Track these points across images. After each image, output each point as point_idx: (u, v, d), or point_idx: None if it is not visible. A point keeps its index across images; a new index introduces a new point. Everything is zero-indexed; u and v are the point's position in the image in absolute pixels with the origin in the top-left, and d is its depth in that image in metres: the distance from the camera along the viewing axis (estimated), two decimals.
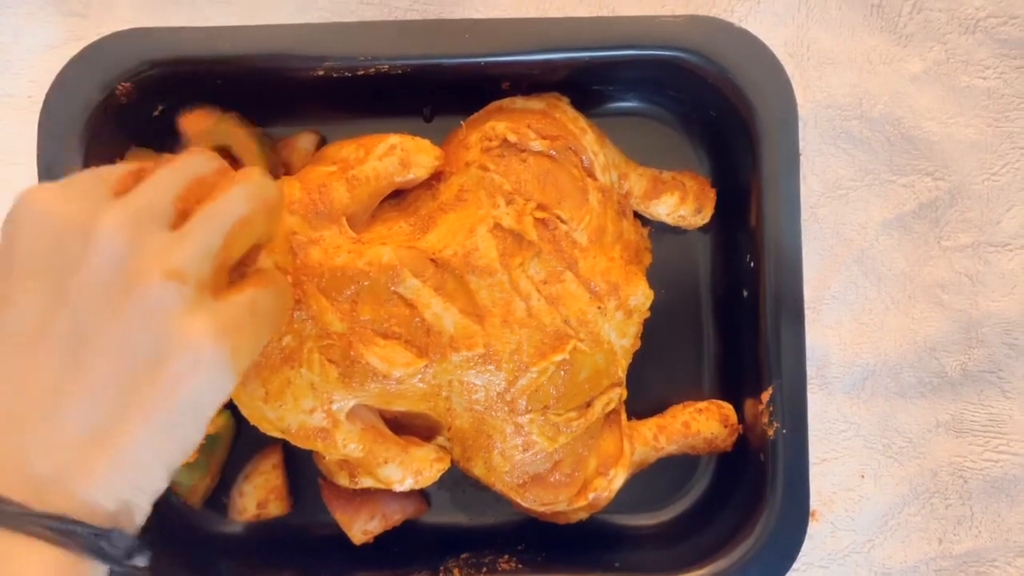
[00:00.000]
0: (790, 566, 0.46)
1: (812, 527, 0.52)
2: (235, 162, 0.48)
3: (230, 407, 0.48)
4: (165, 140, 0.51)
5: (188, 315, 0.30)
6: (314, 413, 0.43)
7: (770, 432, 0.46)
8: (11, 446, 0.29)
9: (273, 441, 0.50)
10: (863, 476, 0.53)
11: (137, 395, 0.30)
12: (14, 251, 0.30)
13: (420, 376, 0.43)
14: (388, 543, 0.49)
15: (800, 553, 0.51)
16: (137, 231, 0.31)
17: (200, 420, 0.31)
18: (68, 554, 0.28)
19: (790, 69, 0.52)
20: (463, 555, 0.48)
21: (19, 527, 0.28)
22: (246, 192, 0.33)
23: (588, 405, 0.46)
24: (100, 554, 0.29)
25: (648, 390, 0.51)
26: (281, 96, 0.49)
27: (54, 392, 0.29)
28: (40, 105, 0.46)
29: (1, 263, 0.31)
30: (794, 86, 0.49)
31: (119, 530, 0.30)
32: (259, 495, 0.50)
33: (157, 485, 0.31)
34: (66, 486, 0.29)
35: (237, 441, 0.52)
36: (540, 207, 0.44)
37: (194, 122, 0.48)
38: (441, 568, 0.47)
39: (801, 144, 0.52)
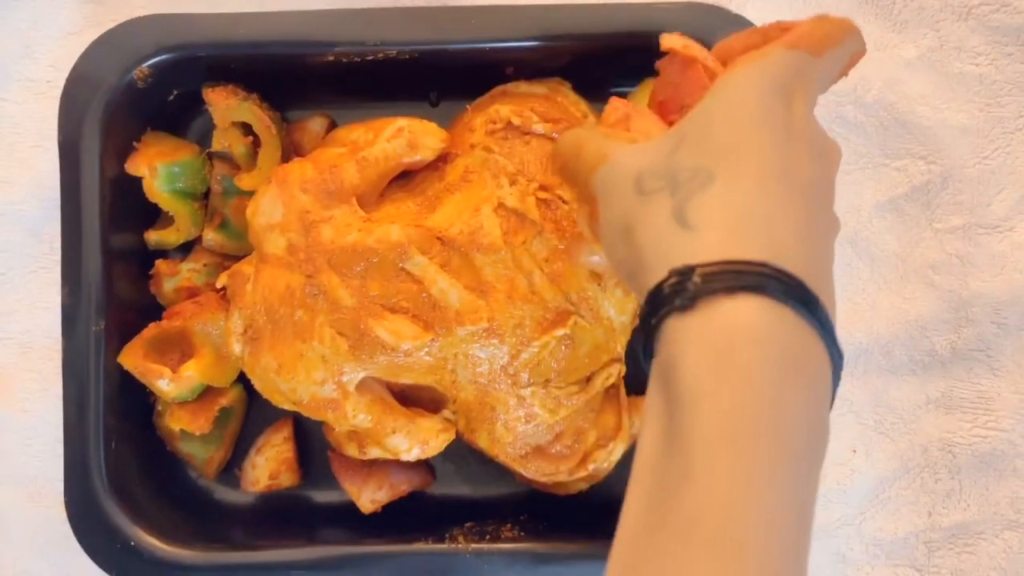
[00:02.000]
0: None
1: None
2: (255, 140, 0.50)
3: (243, 381, 0.50)
4: (181, 123, 0.53)
5: None
6: (325, 385, 0.45)
7: None
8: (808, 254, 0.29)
9: (284, 415, 0.52)
10: (855, 451, 0.55)
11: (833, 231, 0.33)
12: (797, 126, 0.31)
13: (427, 349, 0.45)
14: (395, 512, 0.51)
15: None
16: None
17: None
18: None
19: None
20: (467, 524, 0.50)
21: (826, 330, 0.28)
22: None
23: (588, 379, 0.48)
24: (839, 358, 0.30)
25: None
26: (293, 81, 0.51)
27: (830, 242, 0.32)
28: (60, 89, 0.48)
29: (784, 124, 0.31)
30: None
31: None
32: (271, 467, 0.52)
33: None
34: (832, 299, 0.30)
35: (249, 415, 0.54)
36: (542, 187, 0.46)
37: (218, 96, 0.49)
38: (446, 536, 0.49)
39: None
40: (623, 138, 0.34)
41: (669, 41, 0.39)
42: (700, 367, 0.27)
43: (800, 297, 0.27)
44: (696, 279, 0.28)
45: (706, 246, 0.29)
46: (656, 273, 0.29)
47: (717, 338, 0.27)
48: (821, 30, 0.33)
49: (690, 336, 0.28)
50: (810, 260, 0.29)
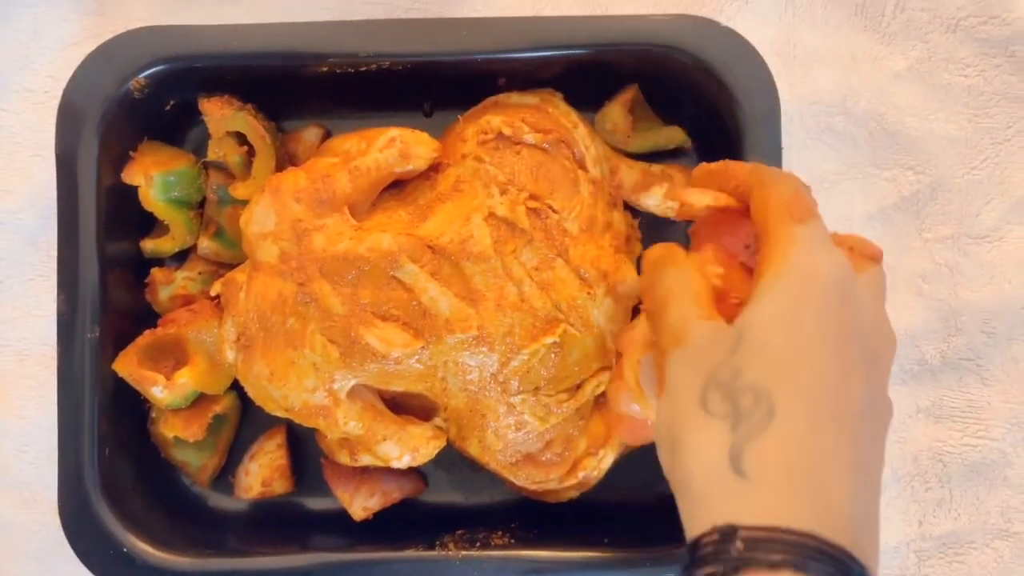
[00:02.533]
0: None
1: None
2: (249, 149, 0.51)
3: (237, 389, 0.51)
4: (177, 133, 0.54)
5: None
6: (316, 392, 0.45)
7: None
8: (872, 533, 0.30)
9: (277, 422, 0.52)
10: None
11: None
12: (850, 321, 0.31)
13: (417, 357, 0.45)
14: (387, 519, 0.51)
15: None
16: None
17: None
18: None
19: (777, 67, 0.54)
20: (458, 531, 0.50)
21: None
22: None
23: (578, 387, 0.48)
24: None
25: None
26: (288, 91, 0.52)
27: (878, 483, 0.31)
28: (58, 99, 0.49)
29: (839, 329, 0.31)
30: (781, 83, 0.51)
31: None
32: (264, 474, 0.53)
33: None
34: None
35: (243, 423, 0.54)
36: (532, 197, 0.47)
37: (214, 107, 0.50)
38: (437, 543, 0.49)
39: (787, 139, 0.54)
40: (704, 314, 0.33)
41: (687, 210, 0.38)
42: None
43: (843, 571, 0.27)
44: (739, 544, 0.28)
45: (756, 504, 0.28)
46: (700, 520, 0.29)
47: None
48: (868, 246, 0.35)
49: None
50: (857, 518, 0.29)
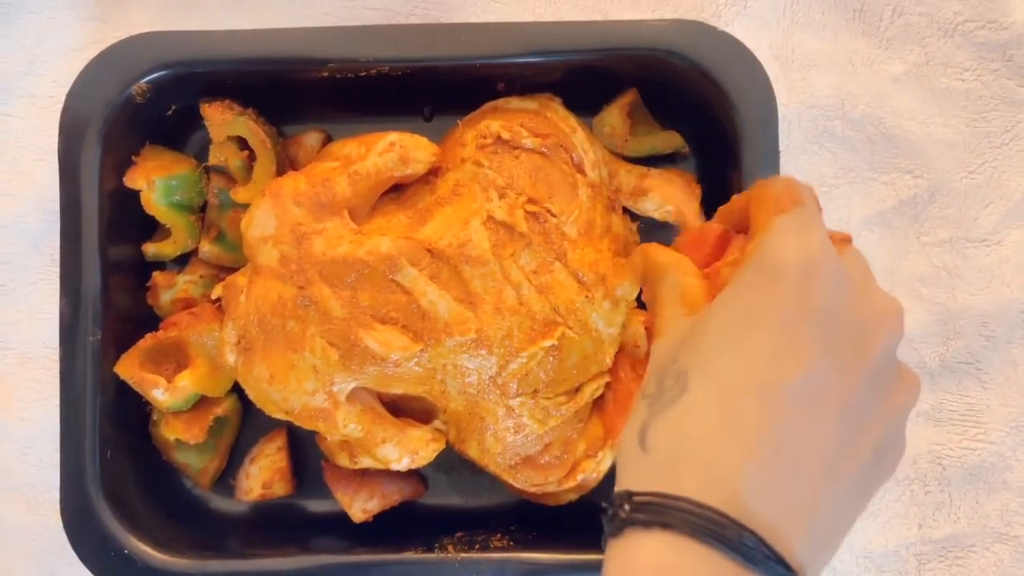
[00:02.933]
0: None
1: None
2: (250, 154, 0.51)
3: (237, 391, 0.51)
4: (178, 138, 0.54)
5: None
6: (316, 394, 0.46)
7: None
8: (791, 506, 0.29)
9: (278, 425, 0.53)
10: None
11: (870, 490, 0.31)
12: (809, 303, 0.30)
13: (416, 360, 0.46)
14: (386, 522, 0.52)
15: None
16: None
17: None
18: None
19: (775, 71, 0.54)
20: (458, 534, 0.50)
21: (751, 564, 0.28)
22: None
23: (577, 390, 0.48)
24: None
25: None
26: (289, 96, 0.52)
27: (830, 469, 0.30)
28: (61, 104, 0.49)
29: (790, 313, 0.30)
30: (779, 88, 0.51)
31: None
32: (265, 476, 0.53)
33: None
34: (819, 564, 0.30)
35: (244, 425, 0.54)
36: (531, 201, 0.47)
37: (215, 111, 0.50)
38: (436, 545, 0.49)
39: (785, 143, 0.54)
40: (686, 311, 0.34)
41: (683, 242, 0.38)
42: None
43: (715, 531, 0.28)
44: (627, 507, 0.30)
45: (648, 473, 0.31)
46: (616, 487, 0.32)
47: (623, 568, 0.29)
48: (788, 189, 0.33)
49: (613, 564, 0.30)
50: (755, 490, 0.29)
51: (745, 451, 0.29)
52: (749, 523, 0.28)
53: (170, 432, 0.51)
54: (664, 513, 0.29)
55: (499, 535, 0.50)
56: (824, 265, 0.30)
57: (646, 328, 0.49)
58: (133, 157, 0.51)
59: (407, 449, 0.47)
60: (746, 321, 0.31)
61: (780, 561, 0.28)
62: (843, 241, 0.34)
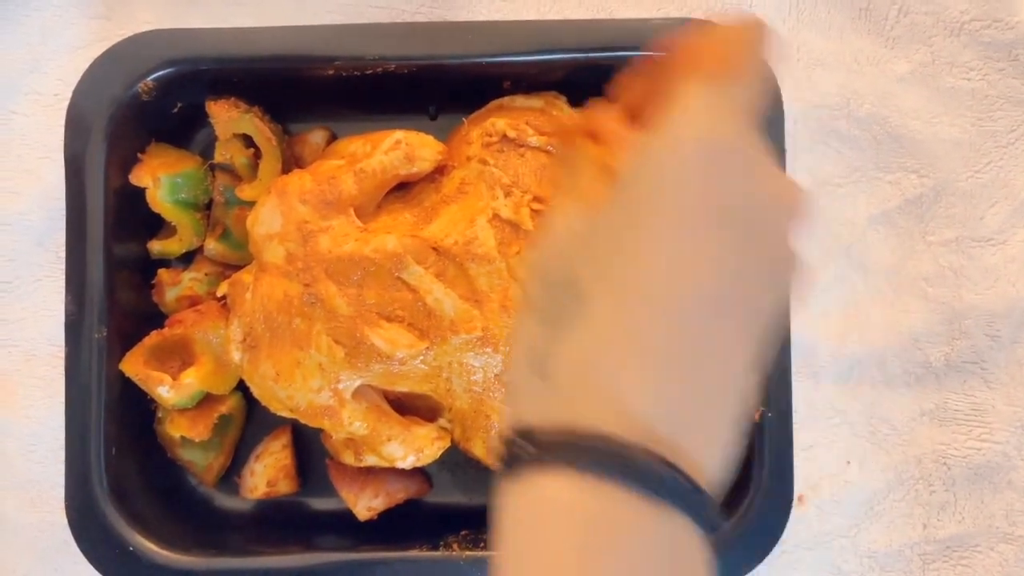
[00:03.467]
0: (775, 543, 0.48)
1: (800, 511, 0.54)
2: (256, 152, 0.51)
3: (242, 389, 0.51)
4: (184, 135, 0.54)
5: None
6: (321, 392, 0.46)
7: (756, 416, 0.48)
8: (691, 426, 0.26)
9: (283, 422, 0.53)
10: (849, 462, 0.55)
11: (749, 381, 0.28)
12: (713, 199, 0.26)
13: (422, 358, 0.46)
14: (391, 520, 0.52)
15: (788, 536, 0.53)
16: None
17: None
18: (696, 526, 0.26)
19: (780, 70, 0.54)
20: (463, 532, 0.50)
21: (665, 496, 0.25)
22: None
23: None
24: (709, 527, 0.27)
25: None
26: (294, 94, 0.52)
27: (734, 379, 0.27)
28: (67, 102, 0.49)
29: (692, 209, 0.26)
30: (784, 87, 0.51)
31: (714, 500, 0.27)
32: (269, 474, 0.53)
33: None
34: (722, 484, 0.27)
35: (249, 423, 0.54)
36: (537, 199, 0.47)
37: (221, 109, 0.50)
38: (441, 544, 0.49)
39: (791, 142, 0.54)
40: (580, 204, 0.29)
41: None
42: (506, 539, 0.27)
43: (626, 467, 0.25)
44: (527, 446, 0.26)
45: (550, 406, 0.27)
46: (508, 420, 0.28)
47: (521, 513, 0.26)
48: (731, 40, 0.28)
49: (508, 512, 0.27)
50: (654, 409, 0.26)
51: (655, 374, 0.26)
52: (666, 455, 0.25)
53: (175, 429, 0.51)
54: (571, 450, 0.25)
55: None
56: (734, 154, 0.27)
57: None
58: (139, 155, 0.51)
59: (412, 447, 0.47)
60: (643, 220, 0.27)
61: (697, 489, 0.26)
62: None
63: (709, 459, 0.27)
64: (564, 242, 0.28)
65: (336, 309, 0.45)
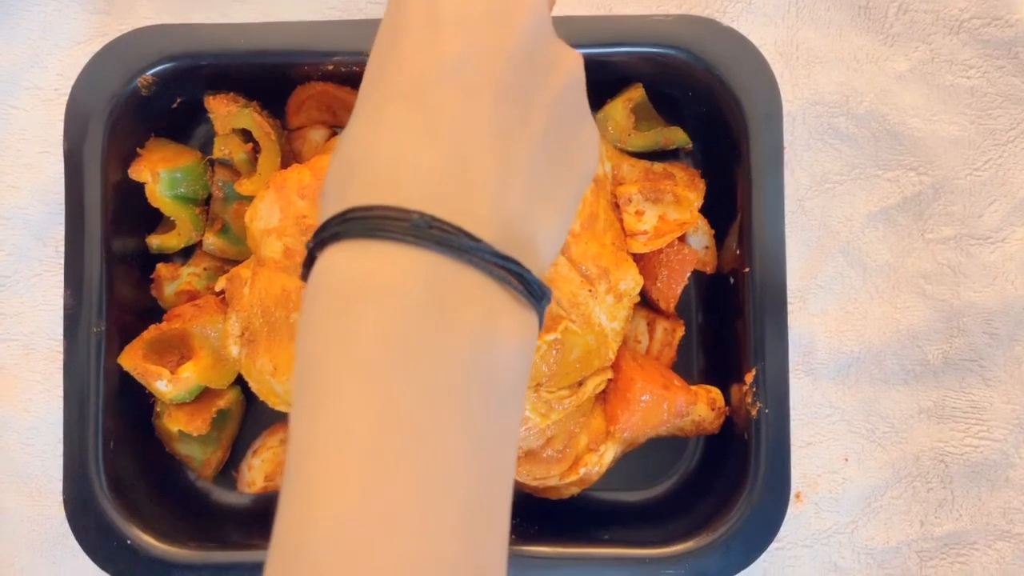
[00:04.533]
0: (772, 539, 0.48)
1: (797, 508, 0.54)
2: (255, 147, 0.51)
3: (241, 384, 0.51)
4: (183, 130, 0.54)
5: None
6: None
7: (753, 412, 0.48)
8: (459, 180, 0.27)
9: (281, 417, 0.53)
10: (847, 459, 0.55)
11: (567, 159, 0.30)
12: None
13: None
14: None
15: (785, 533, 0.53)
16: None
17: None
18: (529, 307, 0.27)
19: (780, 68, 0.54)
20: None
21: (482, 267, 0.26)
22: None
23: (580, 384, 0.48)
24: (537, 301, 0.28)
25: None
26: (293, 89, 0.52)
27: (503, 137, 0.28)
28: (67, 97, 0.49)
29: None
30: (784, 84, 0.51)
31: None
32: (267, 468, 0.53)
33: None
34: (517, 232, 0.28)
35: (247, 417, 0.55)
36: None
37: (219, 104, 0.50)
38: None
39: (789, 139, 0.54)
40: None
41: None
42: (305, 315, 0.27)
43: (401, 227, 0.26)
44: (325, 228, 0.27)
45: (356, 191, 0.27)
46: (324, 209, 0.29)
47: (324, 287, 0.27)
48: None
49: (307, 288, 0.27)
50: (437, 179, 0.27)
51: (449, 146, 0.27)
52: (450, 217, 0.26)
53: (173, 424, 0.51)
54: (365, 223, 0.26)
55: None
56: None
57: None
58: (138, 149, 0.52)
59: None
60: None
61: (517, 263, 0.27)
62: None
63: (498, 218, 0.27)
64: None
65: None
